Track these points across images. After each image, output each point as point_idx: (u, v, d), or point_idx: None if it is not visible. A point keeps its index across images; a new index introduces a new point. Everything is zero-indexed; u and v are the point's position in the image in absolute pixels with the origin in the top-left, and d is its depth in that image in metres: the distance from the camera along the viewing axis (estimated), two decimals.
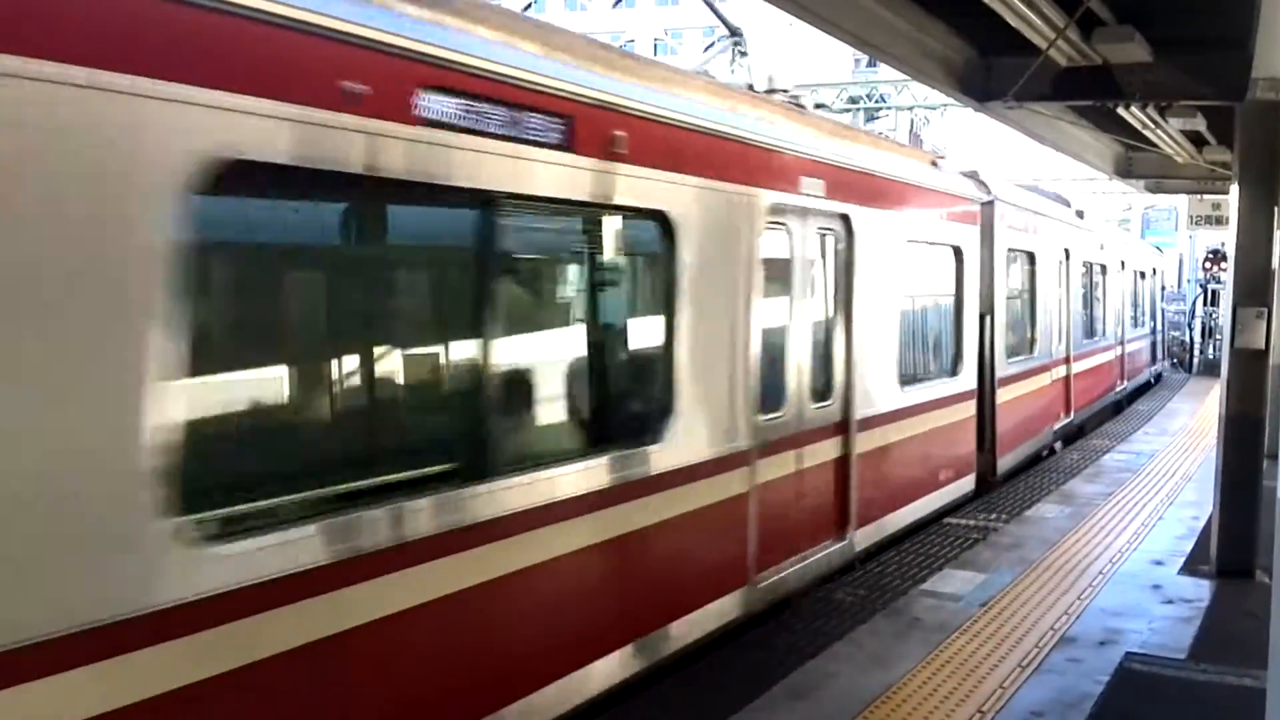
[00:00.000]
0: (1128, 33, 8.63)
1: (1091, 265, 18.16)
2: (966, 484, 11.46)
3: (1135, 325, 23.57)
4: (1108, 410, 19.84)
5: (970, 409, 11.47)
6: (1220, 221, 21.57)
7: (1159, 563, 9.35)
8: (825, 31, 8.64)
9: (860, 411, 8.63)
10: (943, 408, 10.61)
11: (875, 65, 49.26)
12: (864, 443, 8.70)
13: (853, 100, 36.26)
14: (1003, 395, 12.47)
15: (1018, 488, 12.58)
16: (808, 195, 7.73)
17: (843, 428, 8.42)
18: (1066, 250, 15.84)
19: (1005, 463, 12.75)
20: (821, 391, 8.20)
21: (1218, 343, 25.99)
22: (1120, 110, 11.07)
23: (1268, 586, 8.01)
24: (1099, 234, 19.54)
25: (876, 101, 36.38)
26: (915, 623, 7.57)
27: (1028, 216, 13.83)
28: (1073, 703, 6.24)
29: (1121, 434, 17.35)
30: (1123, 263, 21.42)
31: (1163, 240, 36.76)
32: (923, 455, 10.21)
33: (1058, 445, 15.81)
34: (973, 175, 12.34)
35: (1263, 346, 8.85)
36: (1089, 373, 17.67)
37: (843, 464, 8.44)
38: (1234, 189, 9.30)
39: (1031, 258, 14.02)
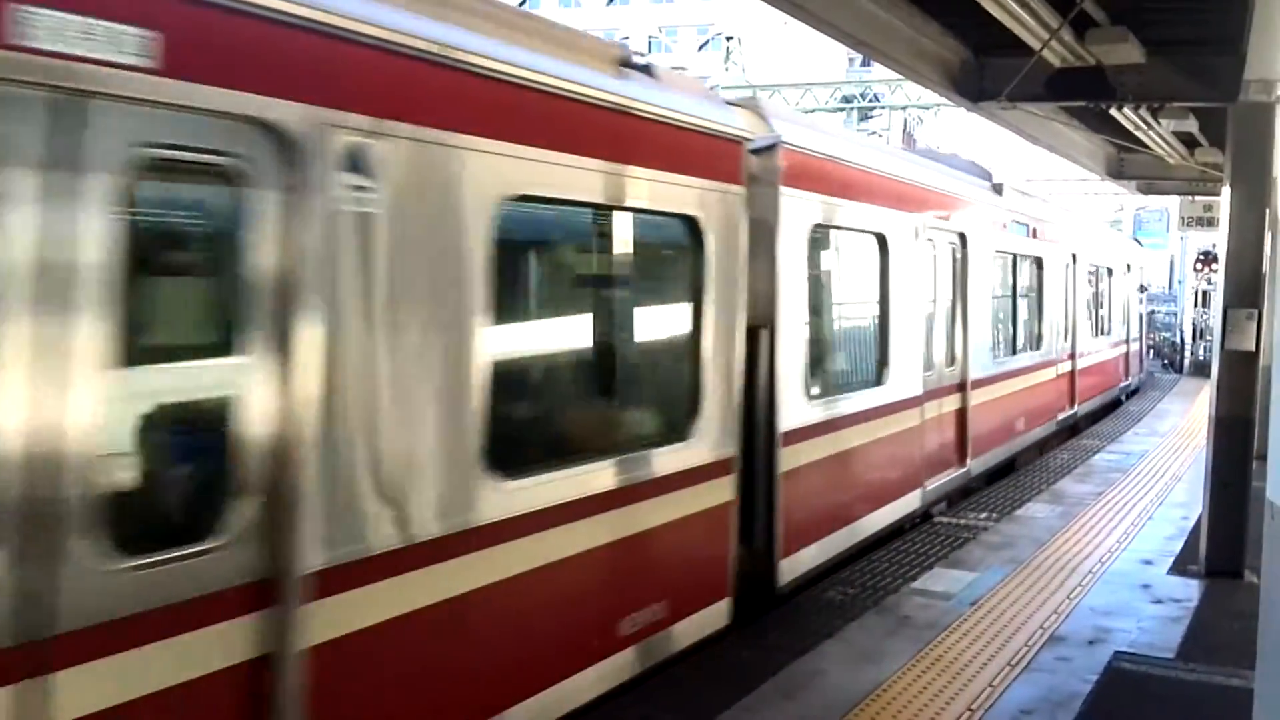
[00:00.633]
0: (1121, 34, 8.67)
1: (1015, 258, 14.02)
2: (707, 618, 6.63)
3: (1098, 334, 19.51)
4: (1052, 439, 16.09)
5: (723, 490, 6.69)
6: (1211, 223, 21.64)
7: (1148, 562, 9.38)
8: (820, 30, 8.67)
9: (368, 542, 4.22)
10: (638, 502, 5.91)
11: (869, 65, 49.38)
12: (352, 613, 4.15)
13: (846, 100, 36.36)
14: (798, 457, 7.73)
15: (1007, 487, 12.61)
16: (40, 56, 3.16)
17: (263, 596, 3.85)
18: (962, 235, 11.39)
19: (800, 562, 7.93)
20: (207, 518, 3.76)
21: (1208, 344, 26.10)
22: (1113, 111, 11.12)
23: (1256, 587, 8.05)
24: (1028, 215, 14.55)
25: (870, 101, 36.47)
26: (905, 621, 7.58)
27: (860, 179, 8.89)
28: (1062, 701, 6.26)
29: (1112, 434, 17.40)
30: (1074, 255, 16.86)
31: (1154, 241, 36.90)
32: (567, 601, 5.44)
33: (942, 506, 11.15)
34: (750, 104, 7.79)
35: (1253, 348, 8.88)
36: (1005, 401, 13.22)
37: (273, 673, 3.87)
38: (1225, 190, 9.33)
39: (881, 242, 9.29)
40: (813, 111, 34.33)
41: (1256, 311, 8.87)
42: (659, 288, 6.68)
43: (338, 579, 4.09)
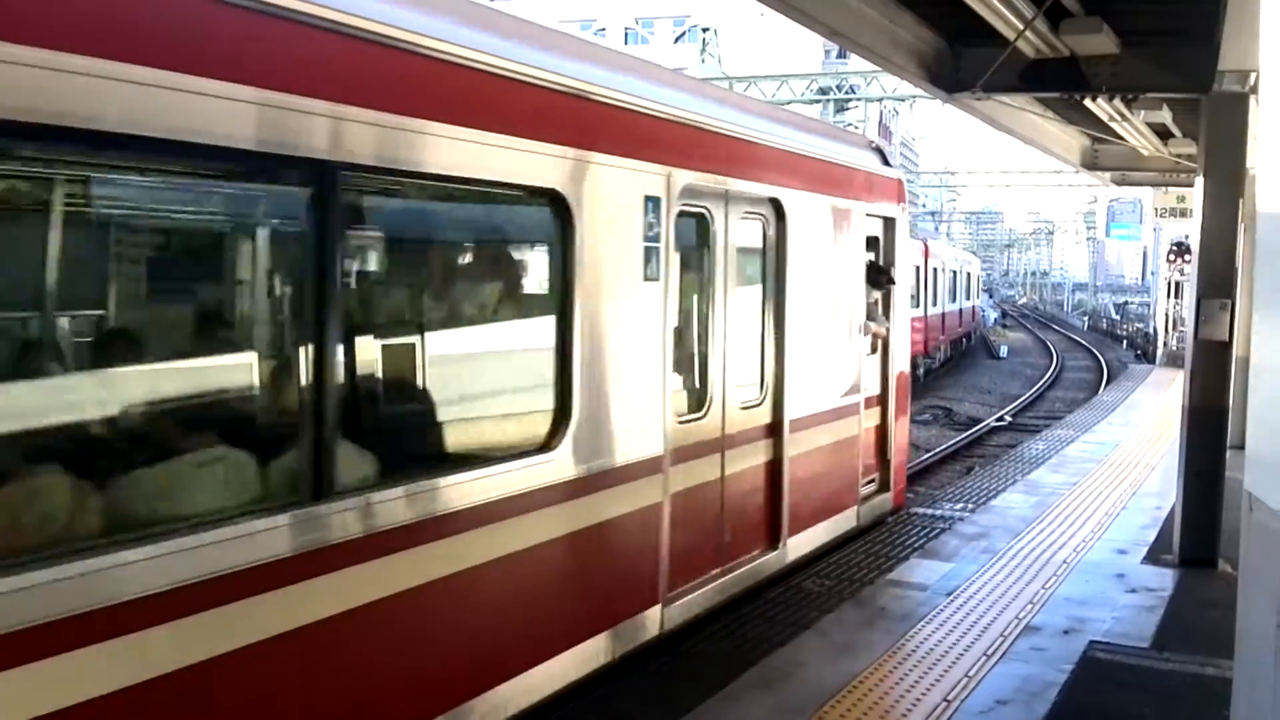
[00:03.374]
0: (1095, 24, 8.67)
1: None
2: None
3: (825, 393, 8.94)
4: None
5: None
6: (1185, 214, 21.81)
7: (1122, 552, 9.43)
8: (796, 21, 8.63)
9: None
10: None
11: (845, 56, 49.46)
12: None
13: (822, 91, 36.41)
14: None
15: (982, 478, 12.65)
16: None
17: None
18: None
19: None
20: None
21: (1181, 334, 26.29)
22: (1087, 102, 11.14)
23: (1230, 576, 8.11)
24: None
25: (846, 93, 36.53)
26: (882, 612, 7.58)
27: None
28: (1037, 691, 6.27)
29: (1086, 424, 17.49)
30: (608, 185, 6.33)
31: (1127, 233, 37.11)
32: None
33: None
34: None
35: (1226, 338, 8.93)
36: None
37: None
38: (1199, 181, 9.37)
39: None
40: (789, 103, 34.39)
41: (1229, 302, 8.92)
42: None
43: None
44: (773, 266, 8.00)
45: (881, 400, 10.08)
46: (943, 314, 31.33)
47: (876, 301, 9.86)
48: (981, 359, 41.20)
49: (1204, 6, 8.10)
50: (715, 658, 6.59)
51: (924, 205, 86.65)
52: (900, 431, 10.52)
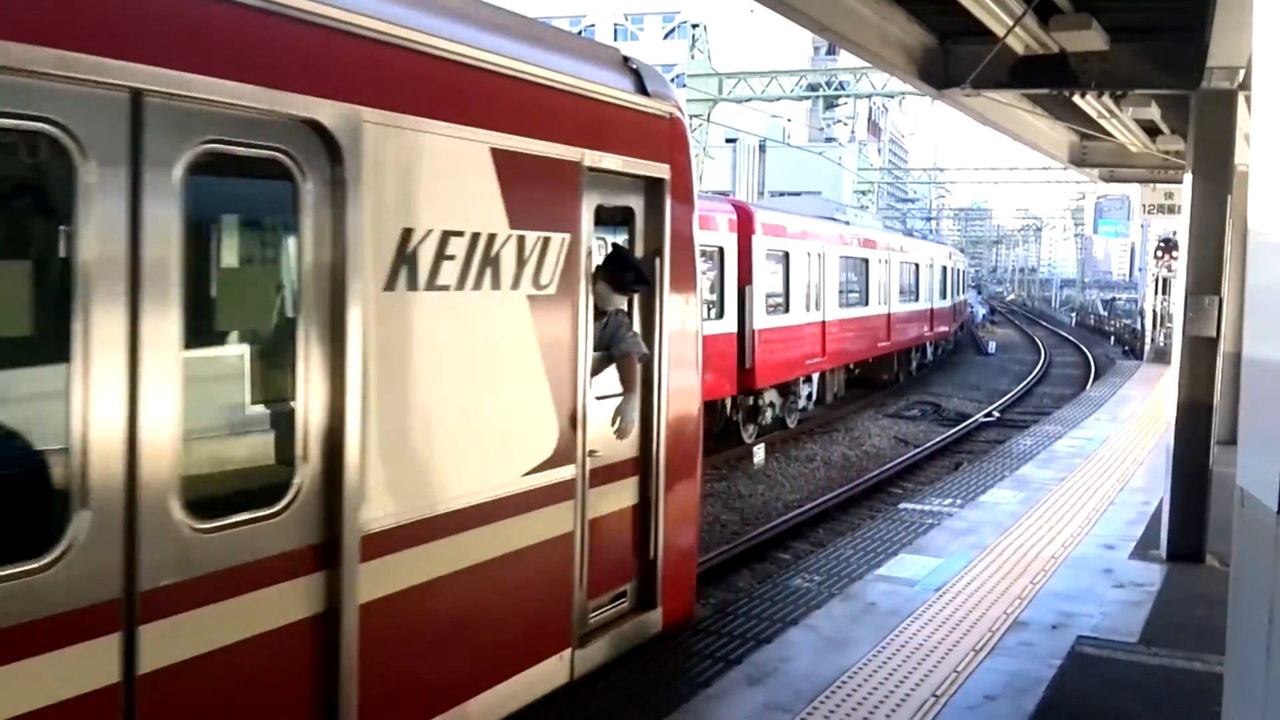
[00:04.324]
0: (1084, 20, 8.68)
1: None
2: None
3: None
4: None
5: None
6: (1173, 210, 21.86)
7: (1110, 547, 9.44)
8: (786, 16, 8.62)
9: None
10: None
11: (834, 53, 49.43)
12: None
13: (812, 87, 36.40)
14: None
15: (971, 473, 12.67)
16: None
17: None
18: None
19: None
20: None
21: (1168, 330, 26.36)
22: (1076, 99, 11.14)
23: (1218, 571, 8.13)
24: None
25: (836, 89, 36.54)
26: (870, 607, 7.58)
27: None
28: (1025, 687, 6.27)
29: (1074, 420, 17.53)
30: None
31: (1115, 229, 37.19)
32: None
33: None
34: None
35: (1214, 334, 8.95)
36: None
37: None
38: (1187, 178, 9.37)
39: None
40: (779, 99, 34.43)
41: (1217, 298, 8.93)
42: None
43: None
44: (316, 253, 4.09)
45: (641, 465, 6.31)
46: (954, 304, 39.65)
47: (623, 312, 6.24)
48: (969, 355, 41.28)
49: (1193, 3, 8.11)
50: (702, 654, 6.57)
51: (914, 202, 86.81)
52: (679, 509, 6.55)
